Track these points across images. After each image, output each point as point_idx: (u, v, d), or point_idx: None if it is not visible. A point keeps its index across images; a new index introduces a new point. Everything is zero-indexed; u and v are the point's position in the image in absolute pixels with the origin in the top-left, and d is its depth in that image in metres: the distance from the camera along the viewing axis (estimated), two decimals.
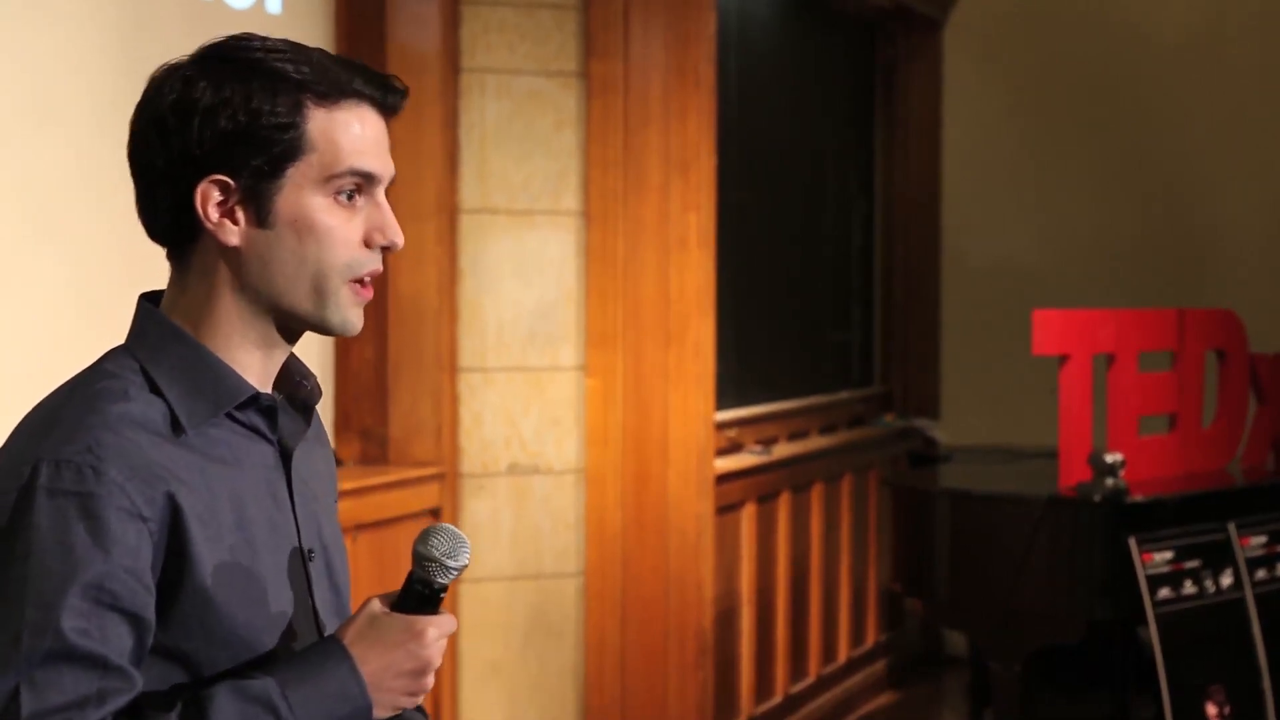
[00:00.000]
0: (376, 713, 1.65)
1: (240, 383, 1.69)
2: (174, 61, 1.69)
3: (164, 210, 1.68)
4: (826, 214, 7.08)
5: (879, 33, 7.44)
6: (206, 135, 1.63)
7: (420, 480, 4.70)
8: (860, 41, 7.37)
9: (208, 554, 1.61)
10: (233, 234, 1.66)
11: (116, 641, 1.55)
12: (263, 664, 1.65)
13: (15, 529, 1.55)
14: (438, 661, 1.69)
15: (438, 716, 4.71)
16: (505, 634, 4.92)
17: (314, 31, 4.52)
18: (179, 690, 1.61)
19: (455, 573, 1.69)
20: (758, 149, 6.22)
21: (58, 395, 1.67)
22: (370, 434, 4.78)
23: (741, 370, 6.00)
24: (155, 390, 1.65)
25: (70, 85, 3.67)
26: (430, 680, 1.69)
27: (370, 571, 4.38)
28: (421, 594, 1.69)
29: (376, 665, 1.65)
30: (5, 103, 3.49)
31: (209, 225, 1.66)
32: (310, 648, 1.67)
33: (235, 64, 1.66)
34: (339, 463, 4.74)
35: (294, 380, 1.78)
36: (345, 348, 4.73)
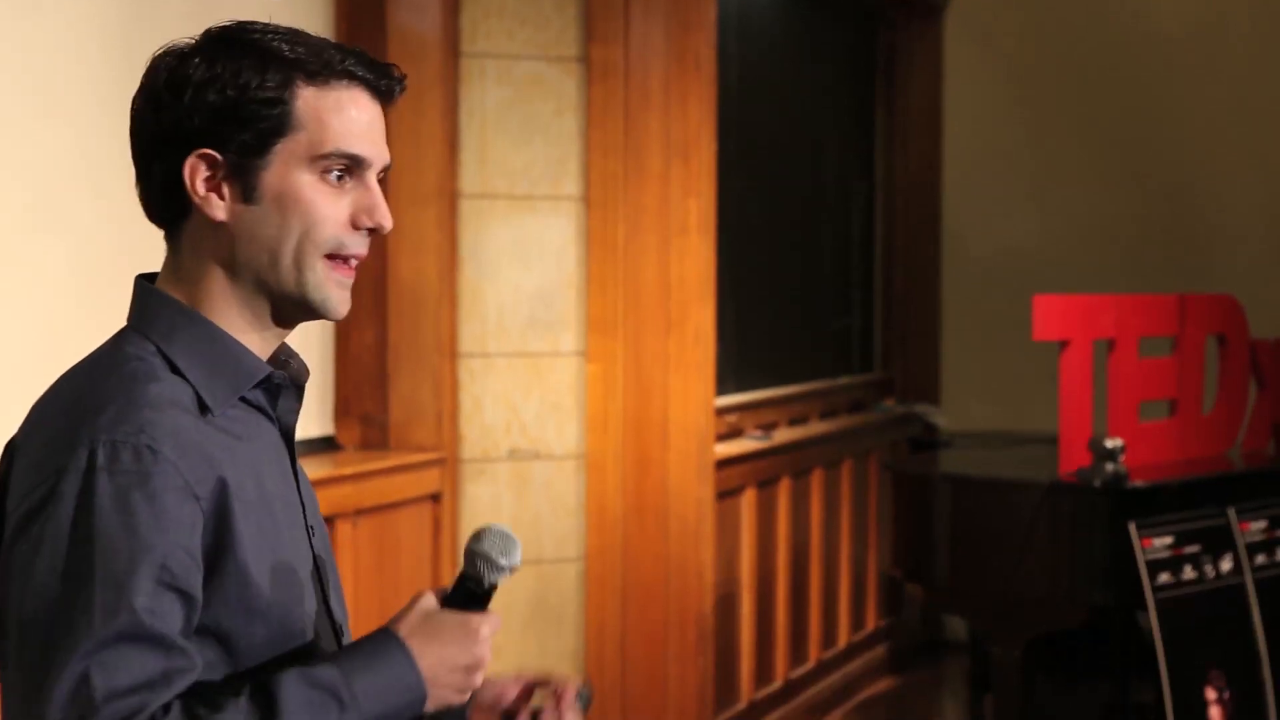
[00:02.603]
0: (428, 706, 1.67)
1: (256, 362, 1.71)
2: (176, 42, 1.72)
3: (156, 185, 1.69)
4: (827, 200, 7.08)
5: (880, 19, 7.44)
6: (196, 109, 1.65)
7: (421, 465, 4.70)
8: (861, 27, 7.37)
9: (246, 531, 1.63)
10: (219, 209, 1.67)
11: (174, 621, 1.56)
12: (304, 648, 1.68)
13: (76, 510, 1.55)
14: (489, 659, 1.70)
15: None
16: (505, 619, 4.92)
17: (314, 16, 4.51)
18: (223, 673, 1.63)
19: (508, 572, 1.71)
20: (758, 135, 6.22)
21: (85, 376, 1.67)
22: (371, 419, 4.78)
23: (742, 356, 6.00)
24: (176, 372, 1.66)
25: (71, 74, 3.67)
26: (480, 678, 1.70)
27: (371, 556, 4.38)
28: (473, 591, 1.71)
29: (433, 659, 1.66)
30: (6, 92, 3.49)
31: (196, 199, 1.67)
32: (366, 639, 1.68)
33: (230, 43, 1.69)
34: (340, 447, 4.74)
35: (280, 360, 1.78)
36: (345, 333, 4.73)
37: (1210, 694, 4.79)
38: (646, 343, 4.99)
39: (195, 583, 1.58)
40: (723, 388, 5.50)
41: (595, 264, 4.97)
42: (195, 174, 1.67)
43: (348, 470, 4.44)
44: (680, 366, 5.00)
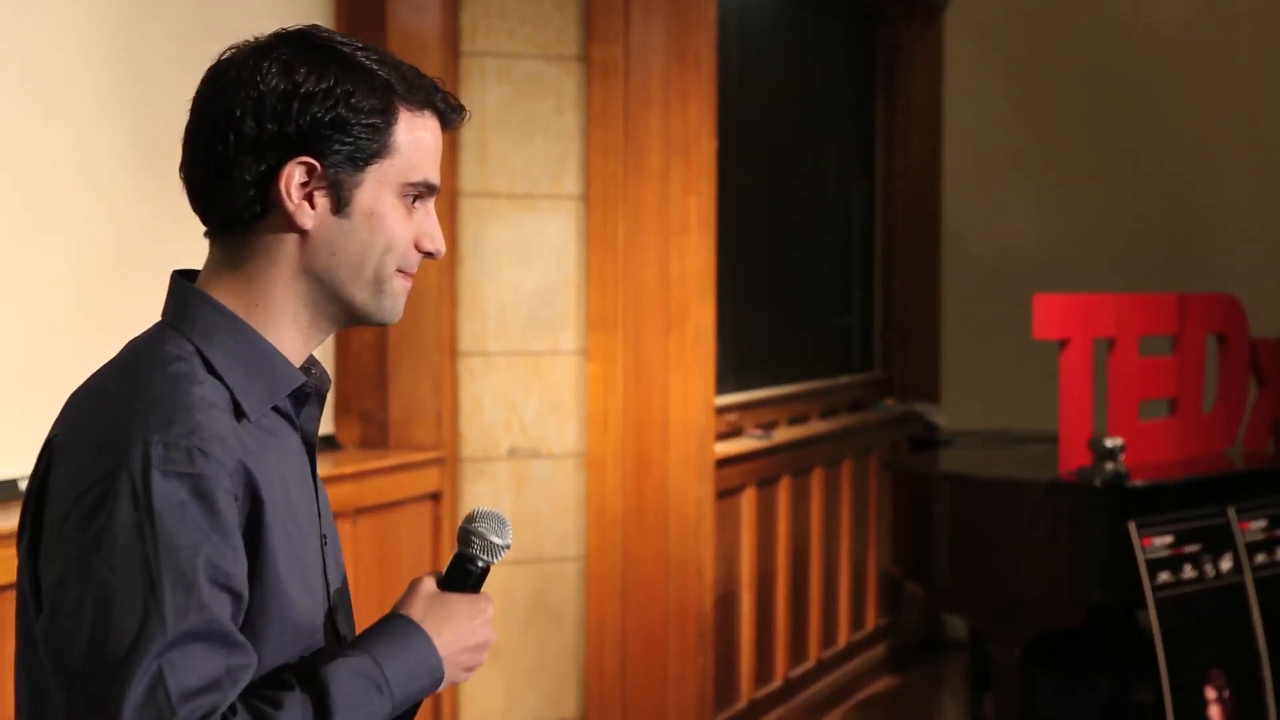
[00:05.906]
0: (442, 686, 1.74)
1: (292, 370, 1.73)
2: (258, 41, 1.72)
3: (239, 185, 1.69)
4: (827, 199, 7.08)
5: (880, 18, 7.44)
6: (305, 119, 1.67)
7: (421, 464, 4.70)
8: (861, 27, 7.36)
9: (277, 539, 1.65)
10: (309, 217, 1.70)
11: (230, 619, 1.59)
12: (315, 655, 1.69)
13: (136, 510, 1.56)
14: (494, 637, 1.79)
15: (438, 700, 4.72)
16: (506, 618, 4.93)
17: (314, 15, 4.51)
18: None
19: (502, 550, 1.79)
20: (758, 134, 6.22)
21: (129, 374, 1.66)
22: (370, 418, 4.78)
23: (742, 355, 6.00)
24: (213, 373, 1.67)
25: (71, 74, 3.67)
26: (486, 655, 1.79)
27: (371, 555, 4.38)
28: (470, 572, 1.79)
29: (448, 639, 1.74)
30: (6, 92, 3.49)
31: (289, 205, 1.69)
32: (383, 626, 1.73)
33: (333, 55, 1.71)
34: (339, 446, 4.74)
35: (304, 367, 1.79)
36: (345, 331, 4.73)
37: (1210, 693, 4.80)
38: (646, 341, 4.99)
39: (243, 583, 1.60)
40: (723, 387, 5.50)
41: (595, 263, 4.97)
42: (291, 180, 1.69)
43: (347, 469, 4.44)
44: (680, 365, 5.00)
